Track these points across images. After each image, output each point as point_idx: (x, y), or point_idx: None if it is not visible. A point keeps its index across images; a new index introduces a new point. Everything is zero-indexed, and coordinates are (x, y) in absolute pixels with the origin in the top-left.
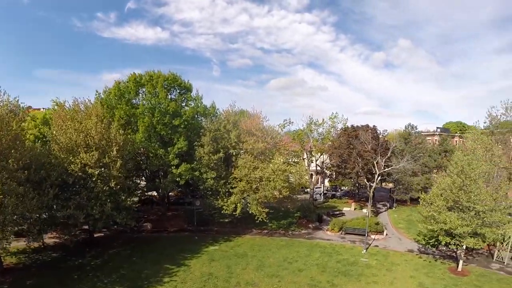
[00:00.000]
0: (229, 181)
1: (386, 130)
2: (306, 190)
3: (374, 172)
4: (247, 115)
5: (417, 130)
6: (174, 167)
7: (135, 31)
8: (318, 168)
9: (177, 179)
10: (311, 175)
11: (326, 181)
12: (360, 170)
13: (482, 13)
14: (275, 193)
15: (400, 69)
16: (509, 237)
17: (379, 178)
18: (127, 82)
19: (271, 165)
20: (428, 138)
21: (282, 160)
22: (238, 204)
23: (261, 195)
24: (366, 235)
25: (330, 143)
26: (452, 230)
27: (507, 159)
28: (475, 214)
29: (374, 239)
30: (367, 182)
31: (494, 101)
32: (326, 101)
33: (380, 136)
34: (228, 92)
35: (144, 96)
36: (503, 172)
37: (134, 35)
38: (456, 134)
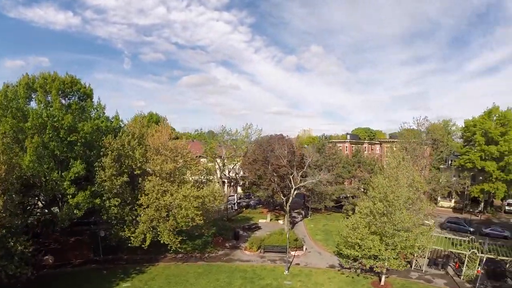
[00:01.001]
0: (135, 208)
1: (305, 146)
2: None
3: (290, 186)
4: (157, 118)
5: (328, 135)
6: (70, 196)
7: (45, 13)
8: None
9: (75, 211)
10: (224, 182)
11: (239, 188)
12: (276, 186)
13: (391, 28)
14: (187, 221)
15: (311, 73)
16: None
17: (295, 192)
18: (17, 85)
19: (181, 191)
20: (339, 145)
21: (195, 178)
22: (148, 234)
23: (172, 223)
24: (287, 253)
25: (244, 156)
26: (376, 254)
27: (416, 168)
28: (399, 239)
29: (295, 255)
30: (283, 198)
31: (395, 106)
32: (237, 100)
33: (296, 150)
34: (139, 87)
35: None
36: (422, 195)
37: (43, 18)
38: (365, 141)
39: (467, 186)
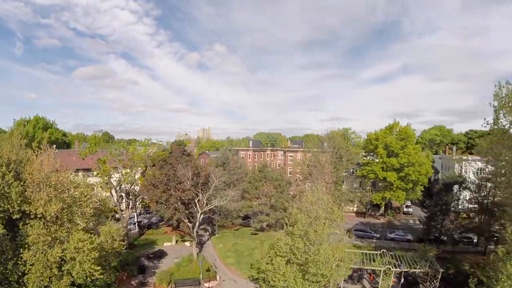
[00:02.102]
0: (19, 263)
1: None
2: (117, 217)
3: (196, 211)
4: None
5: (229, 139)
6: None
7: None
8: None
9: None
10: (121, 196)
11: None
12: (182, 214)
13: (294, 34)
14: (85, 277)
15: (212, 71)
16: None
17: (201, 216)
18: None
19: (72, 241)
20: (242, 153)
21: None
22: None
23: (67, 281)
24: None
25: (143, 175)
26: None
27: (322, 181)
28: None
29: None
30: (189, 224)
31: (294, 106)
32: (136, 95)
33: (201, 171)
34: (30, 77)
35: None
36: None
37: None
38: (268, 148)
39: (369, 194)
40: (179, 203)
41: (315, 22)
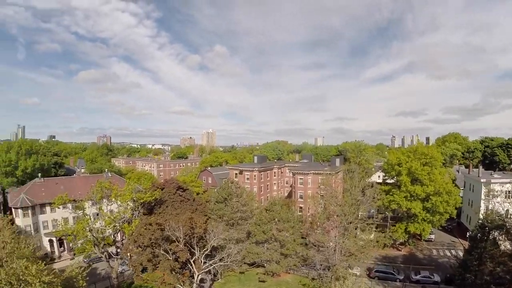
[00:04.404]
0: None
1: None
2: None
3: (192, 271)
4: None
5: (235, 182)
6: None
7: None
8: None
9: None
10: (110, 256)
11: None
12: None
13: (295, 35)
14: None
15: (214, 73)
16: None
17: (199, 277)
18: None
19: None
20: (246, 174)
21: None
22: None
23: None
24: None
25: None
26: None
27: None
28: None
29: None
30: None
31: (296, 107)
32: (138, 98)
33: (195, 225)
34: (32, 81)
35: None
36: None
37: None
38: (274, 166)
39: (389, 224)
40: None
41: (317, 22)
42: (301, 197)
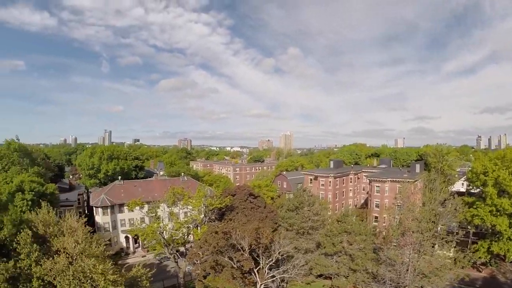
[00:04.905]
0: None
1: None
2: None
3: (255, 281)
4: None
5: (307, 190)
6: None
7: (20, 13)
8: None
9: None
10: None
11: None
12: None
13: (368, 30)
14: None
15: (289, 75)
16: None
17: (262, 286)
18: None
19: None
20: (321, 180)
21: None
22: None
23: None
24: None
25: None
26: None
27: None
28: None
29: None
30: None
31: (373, 106)
32: (217, 103)
33: (261, 235)
34: (116, 91)
35: None
36: None
37: (18, 19)
38: (351, 171)
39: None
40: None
41: (389, 14)
42: (377, 206)
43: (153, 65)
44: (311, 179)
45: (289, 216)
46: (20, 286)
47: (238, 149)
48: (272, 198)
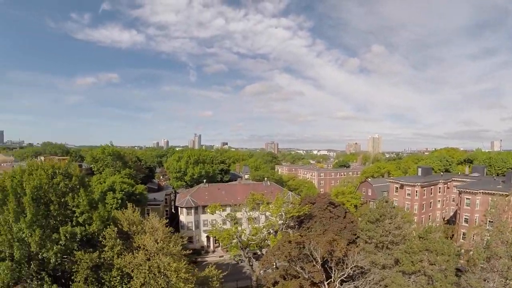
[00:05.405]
0: None
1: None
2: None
3: None
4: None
5: (389, 201)
6: None
7: (110, 33)
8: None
9: None
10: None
11: None
12: None
13: (456, 20)
14: None
15: (374, 74)
16: None
17: None
18: None
19: None
20: (408, 188)
21: None
22: None
23: None
24: None
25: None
26: None
27: None
28: None
29: None
30: None
31: (466, 104)
32: (302, 106)
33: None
34: (204, 98)
35: None
36: None
37: (109, 38)
38: (440, 180)
39: None
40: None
41: (475, 0)
42: (466, 221)
43: (238, 71)
44: (396, 188)
45: (368, 228)
46: (101, 273)
47: (325, 152)
48: (355, 206)
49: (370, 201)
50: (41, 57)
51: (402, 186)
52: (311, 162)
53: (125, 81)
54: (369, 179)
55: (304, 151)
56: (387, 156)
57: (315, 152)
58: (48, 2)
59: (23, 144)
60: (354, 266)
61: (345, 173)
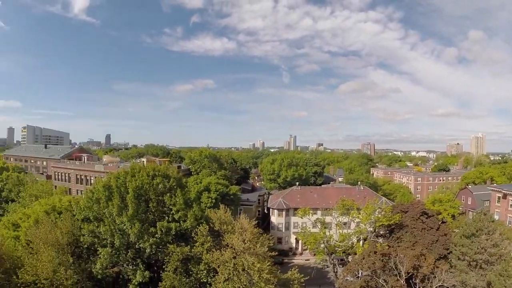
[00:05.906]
0: None
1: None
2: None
3: None
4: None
5: (489, 215)
6: None
7: (202, 43)
8: None
9: None
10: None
11: None
12: None
13: None
14: None
15: (474, 64)
16: None
17: None
18: None
19: None
20: (511, 198)
21: None
22: None
23: None
24: None
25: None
26: None
27: None
28: None
29: None
30: None
31: None
32: (399, 103)
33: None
34: (298, 98)
35: None
36: None
37: (202, 47)
38: None
39: None
40: None
41: None
42: None
43: (330, 70)
44: (499, 197)
45: (462, 243)
46: (190, 266)
47: (424, 154)
48: (453, 216)
49: (469, 211)
50: (141, 70)
51: (505, 196)
52: (409, 164)
53: (220, 86)
54: (469, 186)
55: (401, 152)
56: (492, 158)
57: (413, 153)
58: (141, 21)
59: (128, 146)
60: (440, 286)
61: (444, 178)
